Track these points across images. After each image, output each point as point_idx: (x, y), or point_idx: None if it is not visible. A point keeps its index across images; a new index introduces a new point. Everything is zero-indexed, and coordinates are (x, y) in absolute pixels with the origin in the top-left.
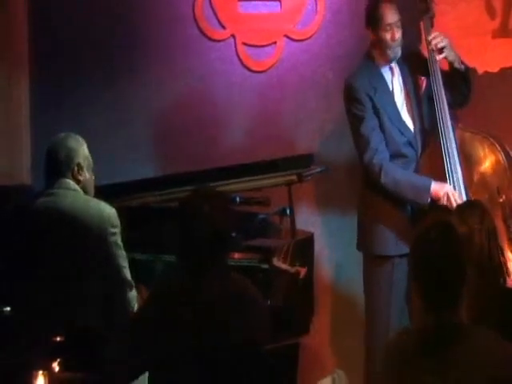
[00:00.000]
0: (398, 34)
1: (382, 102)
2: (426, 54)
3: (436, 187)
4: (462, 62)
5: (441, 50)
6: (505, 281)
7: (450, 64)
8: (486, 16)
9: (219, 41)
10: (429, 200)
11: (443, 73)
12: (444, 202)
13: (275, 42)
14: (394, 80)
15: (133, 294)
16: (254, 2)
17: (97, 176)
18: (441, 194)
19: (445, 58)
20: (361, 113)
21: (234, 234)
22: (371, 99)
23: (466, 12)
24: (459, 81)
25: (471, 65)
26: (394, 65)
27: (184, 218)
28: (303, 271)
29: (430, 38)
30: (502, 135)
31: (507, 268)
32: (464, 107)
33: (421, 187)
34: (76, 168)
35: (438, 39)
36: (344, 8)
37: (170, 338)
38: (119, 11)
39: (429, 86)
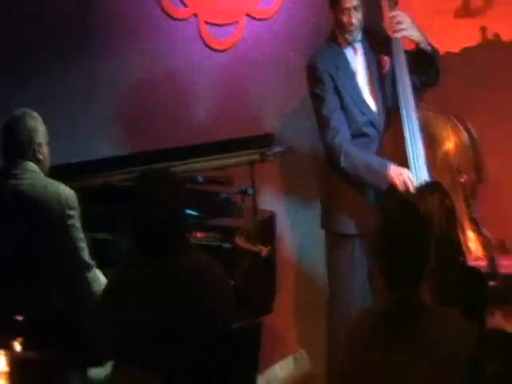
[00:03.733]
0: (356, 19)
1: (343, 81)
2: (389, 33)
3: (393, 173)
4: (429, 44)
5: (403, 29)
6: (465, 260)
7: (417, 45)
8: None
9: (182, 20)
10: (387, 186)
11: (409, 53)
12: (401, 188)
13: (237, 21)
14: (357, 60)
15: (92, 275)
16: None
17: (58, 154)
18: (397, 181)
19: (409, 37)
20: (322, 92)
21: (195, 213)
22: (333, 79)
23: None
24: (425, 62)
25: (434, 44)
26: (357, 45)
27: (137, 197)
28: (265, 250)
29: (391, 15)
30: (464, 115)
31: (468, 247)
32: (431, 88)
33: (379, 172)
34: (36, 148)
35: (399, 18)
36: None
37: (134, 316)
38: None
39: (391, 65)
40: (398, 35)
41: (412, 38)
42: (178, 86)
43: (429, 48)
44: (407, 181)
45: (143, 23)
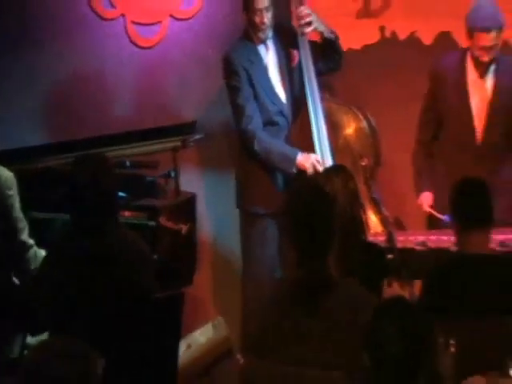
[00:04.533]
0: (267, 18)
1: (256, 74)
2: (297, 30)
3: (301, 159)
4: (332, 32)
5: (308, 24)
6: (366, 235)
7: (321, 34)
8: None
9: (110, 19)
10: (294, 170)
11: (315, 43)
12: (311, 171)
13: (161, 21)
14: (269, 55)
15: (31, 253)
16: None
17: (2, 139)
18: (307, 165)
19: (315, 29)
20: (237, 84)
21: (124, 195)
22: (247, 72)
23: None
24: (330, 49)
25: (340, 43)
26: (268, 42)
27: (73, 180)
28: (185, 228)
29: (297, 12)
30: (364, 105)
31: (368, 224)
32: (335, 71)
33: (288, 157)
34: None
35: (305, 12)
36: None
37: (69, 288)
38: None
39: (300, 64)
40: (306, 30)
41: (317, 29)
42: (107, 80)
43: (332, 36)
44: (315, 163)
45: (75, 22)
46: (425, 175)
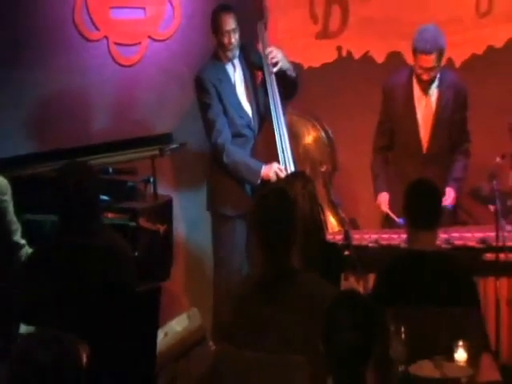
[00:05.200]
0: (234, 39)
1: (225, 91)
2: (261, 50)
3: (265, 170)
4: (294, 70)
5: (275, 64)
6: (325, 234)
7: (284, 72)
8: (310, 21)
9: (94, 41)
10: (259, 181)
11: (278, 76)
12: (274, 179)
13: (140, 42)
14: (236, 74)
15: (22, 253)
16: (123, 9)
17: None
18: (270, 174)
19: (281, 68)
20: (208, 100)
21: (107, 198)
22: (216, 89)
23: (295, 18)
24: (289, 84)
25: (298, 61)
26: (235, 61)
27: (62, 185)
28: (163, 228)
29: (266, 52)
30: (322, 117)
31: (327, 223)
32: (289, 100)
33: (253, 170)
34: None
35: (273, 54)
36: (196, 15)
37: (56, 284)
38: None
39: (264, 82)
40: (275, 69)
41: (283, 67)
42: (91, 95)
43: (293, 74)
44: (277, 171)
45: (62, 43)
46: (381, 178)
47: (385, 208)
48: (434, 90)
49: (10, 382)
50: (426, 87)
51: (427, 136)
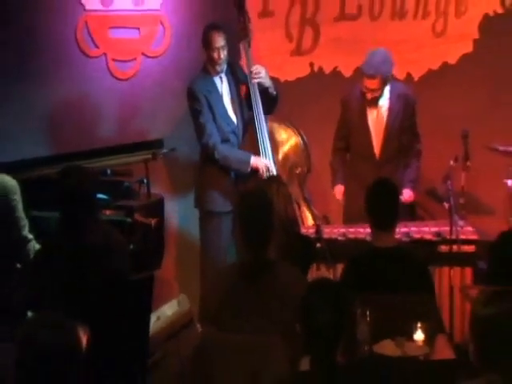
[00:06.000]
0: (223, 55)
1: (214, 101)
2: (245, 68)
3: (254, 160)
4: (275, 89)
5: (260, 77)
6: (299, 228)
7: (266, 88)
8: (286, 40)
9: (94, 57)
10: (249, 169)
11: (261, 92)
12: (263, 169)
13: (135, 58)
14: (223, 86)
15: (30, 246)
16: (119, 30)
17: (7, 153)
18: (259, 165)
19: (263, 84)
20: (199, 108)
21: (105, 197)
22: (207, 99)
23: (272, 37)
24: (270, 100)
25: (276, 75)
26: (223, 75)
27: (63, 186)
28: (154, 222)
29: (252, 70)
30: (298, 124)
31: (302, 219)
32: (270, 114)
33: (243, 161)
34: None
35: (258, 69)
36: (185, 35)
37: (59, 274)
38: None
39: (248, 95)
40: (256, 81)
41: (265, 84)
42: (92, 106)
43: (274, 93)
44: (267, 164)
45: (66, 59)
46: (339, 173)
47: (339, 197)
48: (384, 102)
49: (16, 362)
50: (372, 102)
51: (379, 143)
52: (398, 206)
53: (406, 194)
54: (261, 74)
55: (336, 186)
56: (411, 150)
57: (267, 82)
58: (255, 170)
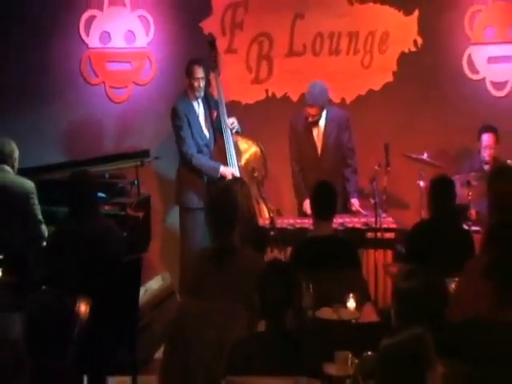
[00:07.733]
0: (202, 84)
1: (192, 120)
2: (214, 92)
3: (223, 169)
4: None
5: (234, 127)
6: (257, 220)
7: (237, 131)
8: (247, 71)
9: (95, 85)
10: (218, 176)
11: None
12: (230, 176)
13: (127, 86)
14: (199, 109)
15: (43, 227)
16: (115, 63)
17: (23, 162)
18: (227, 173)
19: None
20: (180, 124)
21: (104, 195)
22: (187, 117)
23: (236, 69)
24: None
25: (238, 99)
26: (200, 100)
27: (70, 186)
28: (142, 215)
29: (229, 121)
30: (257, 137)
31: (260, 212)
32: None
33: (214, 169)
34: (13, 161)
35: (232, 121)
36: (167, 68)
37: (66, 258)
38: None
39: (217, 117)
40: (233, 131)
41: (237, 131)
42: (92, 125)
43: (239, 130)
44: (234, 173)
45: (72, 86)
46: (302, 190)
47: (308, 211)
48: (322, 122)
49: (24, 326)
50: (313, 123)
51: (322, 155)
52: (336, 201)
53: (356, 203)
54: (234, 125)
55: (305, 201)
56: (349, 167)
57: (238, 129)
58: (223, 177)
